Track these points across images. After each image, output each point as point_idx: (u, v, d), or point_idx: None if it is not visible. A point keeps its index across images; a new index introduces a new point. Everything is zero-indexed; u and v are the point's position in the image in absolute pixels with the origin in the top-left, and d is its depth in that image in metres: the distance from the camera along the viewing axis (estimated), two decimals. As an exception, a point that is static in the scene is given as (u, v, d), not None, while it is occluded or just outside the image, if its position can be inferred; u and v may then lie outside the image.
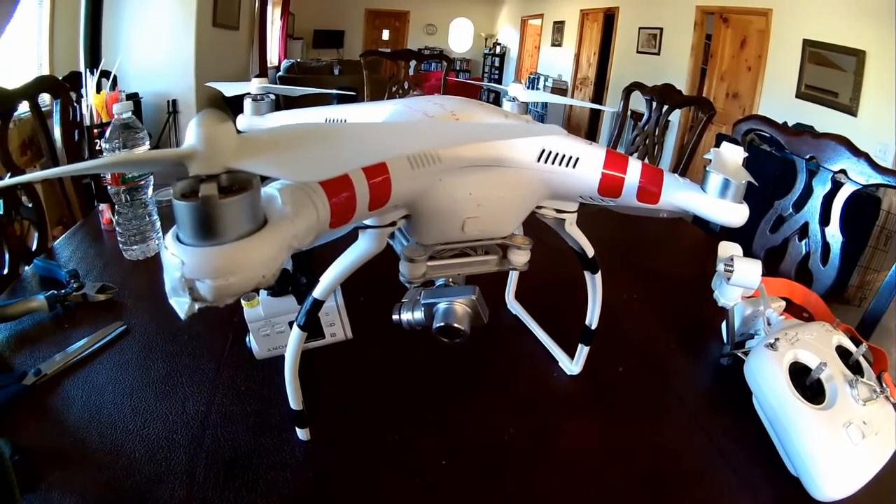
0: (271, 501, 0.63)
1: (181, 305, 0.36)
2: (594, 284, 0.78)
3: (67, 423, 0.73)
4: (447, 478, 0.69)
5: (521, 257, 0.64)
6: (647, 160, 2.13)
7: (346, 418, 0.77)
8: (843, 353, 0.78)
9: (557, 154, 0.59)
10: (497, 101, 0.81)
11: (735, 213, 0.56)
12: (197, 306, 0.36)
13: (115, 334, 0.89)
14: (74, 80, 1.71)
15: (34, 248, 1.28)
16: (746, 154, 0.59)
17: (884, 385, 0.72)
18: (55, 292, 0.94)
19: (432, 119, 0.60)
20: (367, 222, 0.57)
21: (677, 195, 0.59)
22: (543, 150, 0.59)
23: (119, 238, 1.13)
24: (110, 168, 0.37)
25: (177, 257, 0.34)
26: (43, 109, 1.50)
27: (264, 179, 0.38)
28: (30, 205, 1.34)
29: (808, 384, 0.74)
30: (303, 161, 0.35)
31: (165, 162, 0.34)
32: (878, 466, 0.66)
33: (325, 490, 0.66)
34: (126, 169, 0.95)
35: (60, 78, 1.64)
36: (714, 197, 0.57)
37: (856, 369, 0.75)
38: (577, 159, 0.59)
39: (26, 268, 1.08)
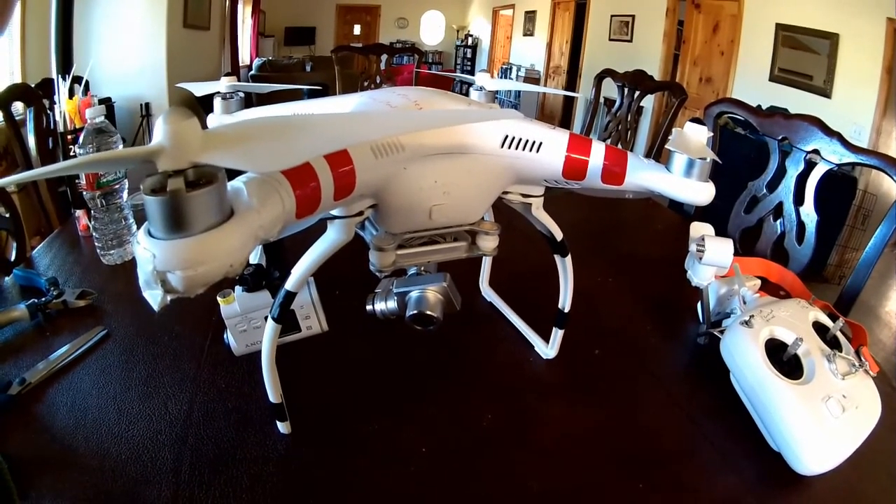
0: (256, 495, 0.64)
1: (154, 298, 0.37)
2: (565, 268, 0.80)
3: (54, 429, 0.73)
4: (428, 465, 0.70)
5: (489, 243, 0.66)
6: (619, 145, 2.15)
7: (326, 410, 0.78)
8: (820, 328, 0.79)
9: (520, 139, 0.60)
10: (469, 92, 0.82)
11: (701, 192, 0.57)
12: (169, 298, 0.37)
13: (96, 339, 0.89)
14: (47, 86, 1.69)
15: (13, 258, 1.27)
16: (710, 133, 0.60)
17: (863, 359, 0.73)
18: (36, 301, 0.94)
19: (393, 108, 0.61)
20: (334, 212, 0.58)
21: (642, 175, 0.60)
22: (507, 136, 0.60)
23: (96, 243, 1.13)
24: (81, 169, 0.37)
25: (148, 251, 0.35)
26: (16, 118, 1.49)
27: (234, 173, 0.39)
28: (7, 215, 1.33)
29: (785, 360, 0.75)
30: (263, 153, 0.36)
31: (135, 159, 0.35)
32: (859, 439, 0.67)
33: (308, 482, 0.67)
34: (96, 168, 0.94)
35: (33, 85, 1.62)
36: (679, 176, 0.58)
37: (833, 344, 0.76)
38: (541, 144, 0.60)
39: (6, 278, 1.08)
